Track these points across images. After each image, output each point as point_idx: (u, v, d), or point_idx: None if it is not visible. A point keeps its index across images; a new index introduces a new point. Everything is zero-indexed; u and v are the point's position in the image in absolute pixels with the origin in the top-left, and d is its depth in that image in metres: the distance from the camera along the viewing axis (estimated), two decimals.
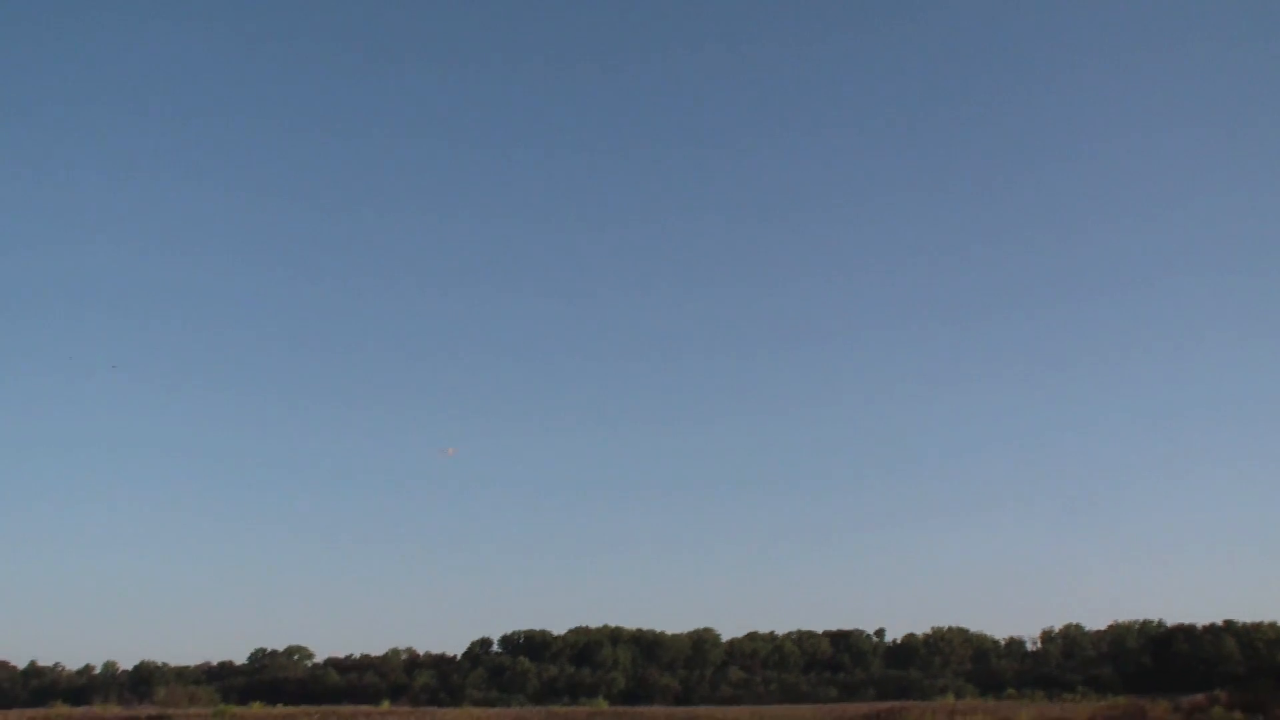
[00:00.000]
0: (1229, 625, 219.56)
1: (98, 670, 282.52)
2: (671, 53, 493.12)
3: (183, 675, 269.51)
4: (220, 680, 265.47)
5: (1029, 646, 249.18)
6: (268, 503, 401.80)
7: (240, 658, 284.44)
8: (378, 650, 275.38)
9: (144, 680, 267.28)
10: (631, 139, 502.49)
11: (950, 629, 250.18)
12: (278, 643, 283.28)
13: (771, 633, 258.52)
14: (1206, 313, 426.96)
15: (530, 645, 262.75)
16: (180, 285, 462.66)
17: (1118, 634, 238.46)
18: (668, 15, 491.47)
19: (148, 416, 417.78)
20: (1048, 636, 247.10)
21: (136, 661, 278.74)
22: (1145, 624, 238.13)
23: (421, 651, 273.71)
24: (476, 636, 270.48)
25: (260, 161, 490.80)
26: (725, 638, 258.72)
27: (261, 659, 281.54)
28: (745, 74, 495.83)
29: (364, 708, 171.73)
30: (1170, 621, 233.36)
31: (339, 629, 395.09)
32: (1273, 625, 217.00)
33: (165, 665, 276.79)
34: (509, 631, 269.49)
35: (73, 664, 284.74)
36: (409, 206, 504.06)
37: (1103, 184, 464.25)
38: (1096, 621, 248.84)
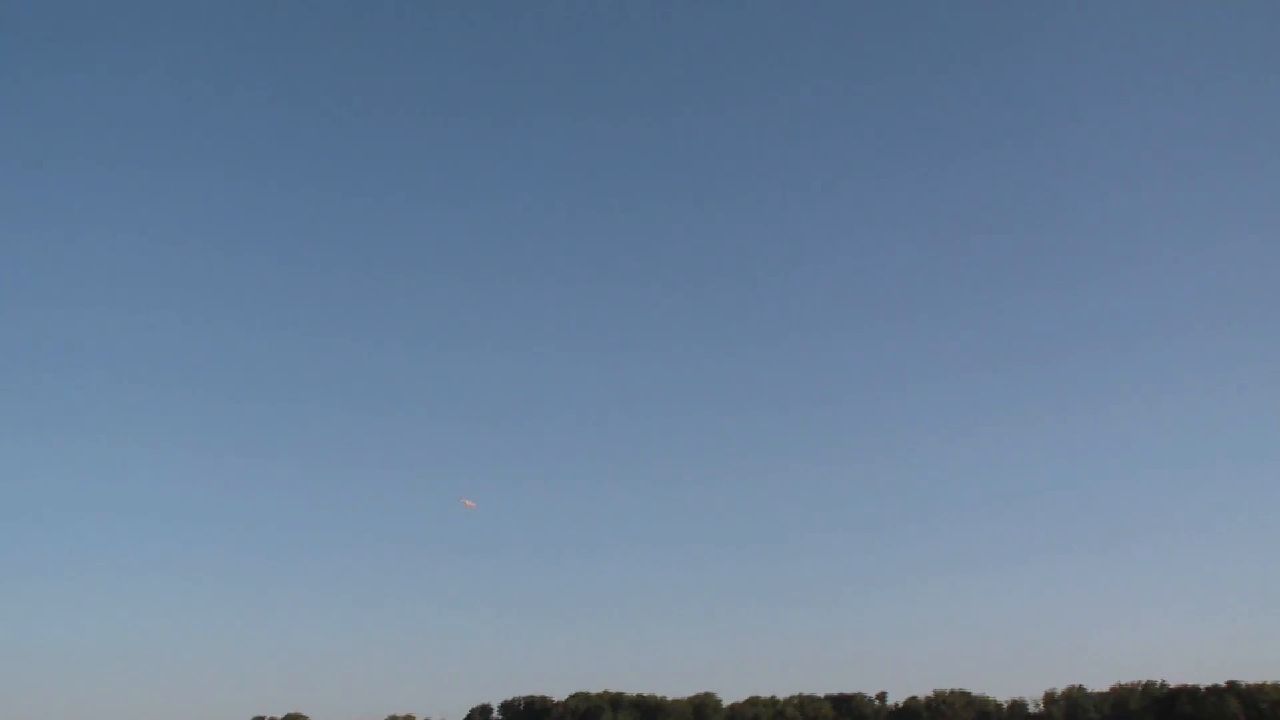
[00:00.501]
0: (1232, 686, 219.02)
1: None
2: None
3: None
4: None
5: (1032, 709, 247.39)
6: (265, 565, 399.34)
7: None
8: (377, 716, 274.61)
9: None
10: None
11: (953, 691, 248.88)
12: (276, 710, 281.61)
13: (773, 696, 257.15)
14: (1209, 364, 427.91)
15: (531, 711, 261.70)
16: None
17: (1121, 695, 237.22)
18: (670, 43, 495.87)
19: (132, 478, 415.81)
20: (1050, 698, 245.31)
21: None
22: (1149, 685, 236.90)
23: (420, 717, 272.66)
24: (476, 702, 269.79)
25: (261, 225, 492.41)
26: (726, 702, 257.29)
27: None
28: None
29: None
30: (1174, 682, 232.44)
31: (336, 695, 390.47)
32: (1275, 686, 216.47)
33: None
34: (509, 698, 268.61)
35: None
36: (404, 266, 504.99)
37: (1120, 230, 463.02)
38: (1099, 683, 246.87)
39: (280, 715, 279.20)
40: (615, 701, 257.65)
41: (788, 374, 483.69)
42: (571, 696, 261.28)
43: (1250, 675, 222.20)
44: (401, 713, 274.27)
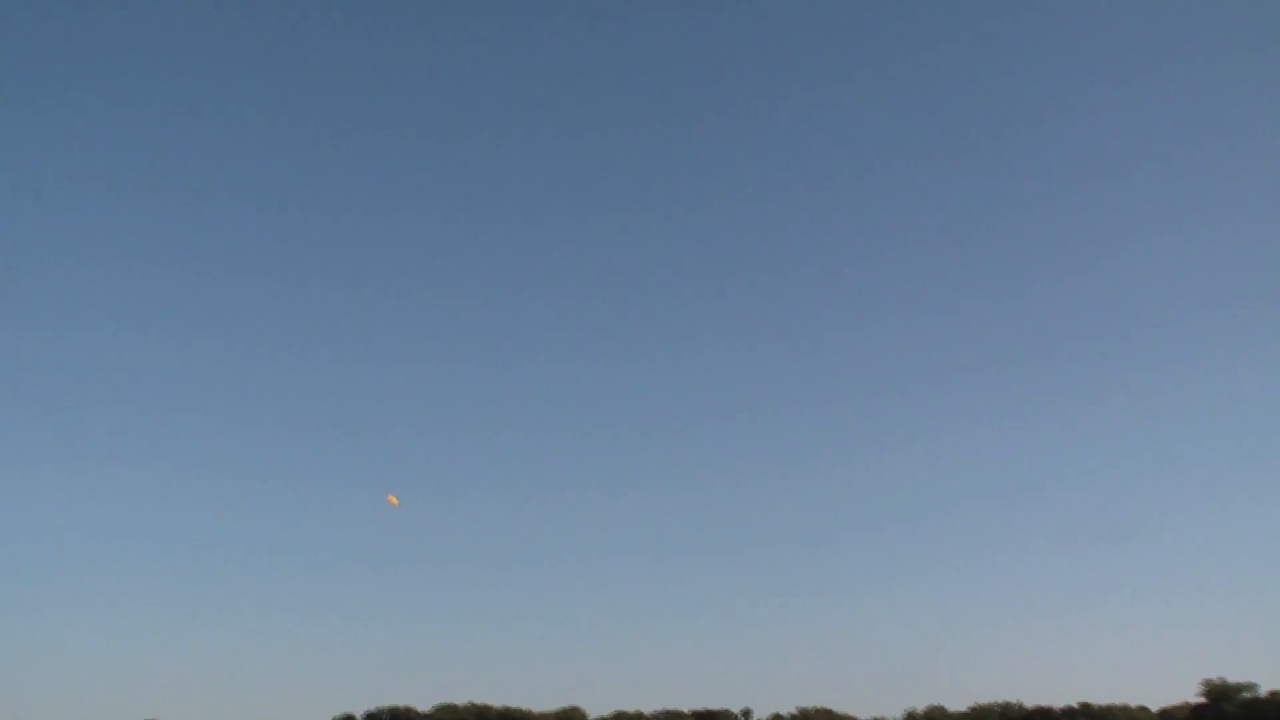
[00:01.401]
0: (1085, 707, 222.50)
1: None
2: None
3: None
4: None
5: None
6: (120, 571, 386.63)
7: None
8: None
9: None
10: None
11: (816, 709, 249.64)
12: (134, 718, 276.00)
13: (639, 711, 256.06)
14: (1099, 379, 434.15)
15: None
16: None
17: (979, 715, 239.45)
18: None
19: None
20: (911, 717, 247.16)
21: None
22: (1006, 706, 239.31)
23: None
24: (340, 711, 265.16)
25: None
26: (592, 715, 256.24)
27: None
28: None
29: None
30: (1030, 703, 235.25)
31: (198, 704, 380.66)
32: (1125, 708, 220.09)
33: None
34: (373, 708, 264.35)
35: None
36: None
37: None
38: (959, 703, 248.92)
39: None
40: (481, 713, 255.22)
41: (671, 387, 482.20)
42: (437, 708, 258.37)
43: (1103, 697, 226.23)
44: None
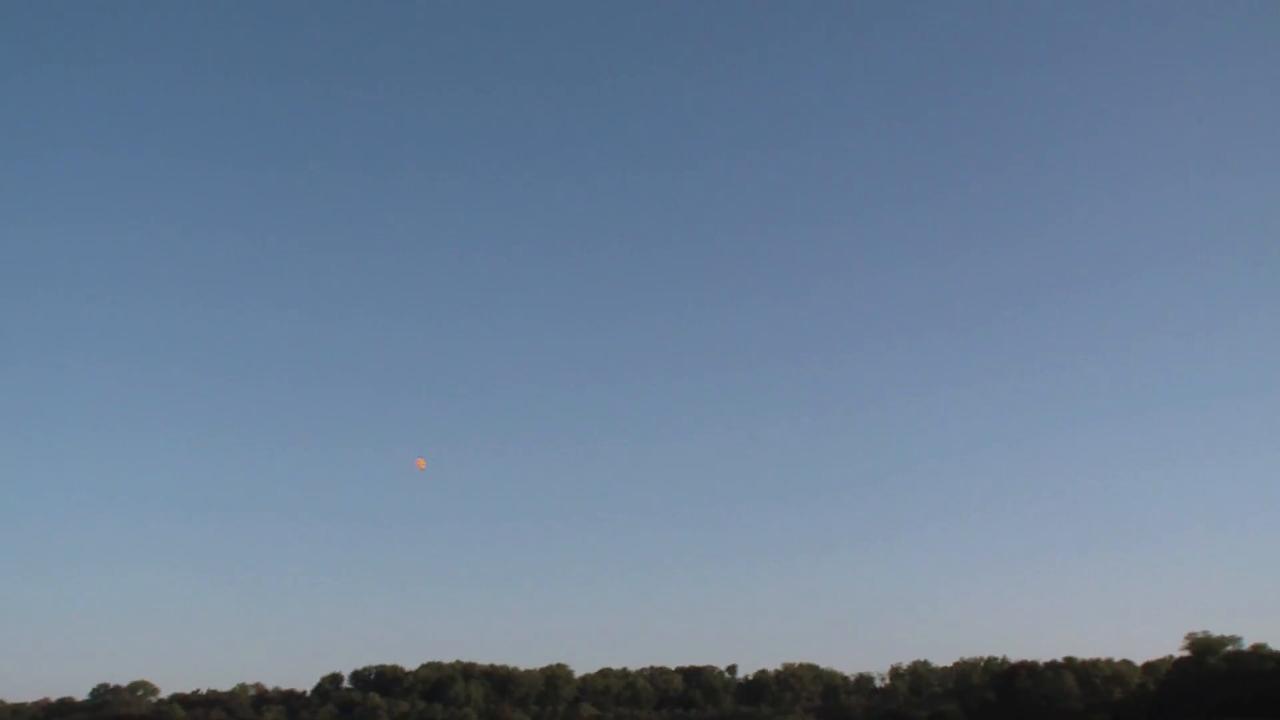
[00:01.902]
0: (1069, 662, 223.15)
1: None
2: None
3: (19, 712, 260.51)
4: (60, 717, 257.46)
5: (878, 683, 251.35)
6: (109, 527, 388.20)
7: (81, 693, 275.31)
8: (225, 685, 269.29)
9: None
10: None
11: (801, 665, 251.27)
12: (121, 678, 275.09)
13: (624, 669, 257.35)
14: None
15: (382, 680, 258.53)
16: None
17: (963, 670, 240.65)
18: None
19: None
20: (896, 673, 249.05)
21: None
22: (990, 660, 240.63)
23: (270, 686, 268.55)
24: (327, 671, 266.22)
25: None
26: (578, 673, 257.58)
27: (104, 694, 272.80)
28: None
29: None
30: (1014, 658, 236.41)
31: (185, 663, 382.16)
32: (1109, 662, 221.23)
33: (1, 702, 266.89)
34: (360, 666, 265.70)
35: None
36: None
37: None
38: (944, 658, 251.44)
39: (126, 683, 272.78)
40: (467, 672, 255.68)
41: (665, 341, 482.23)
42: (423, 666, 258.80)
43: (1086, 651, 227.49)
44: (250, 682, 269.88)
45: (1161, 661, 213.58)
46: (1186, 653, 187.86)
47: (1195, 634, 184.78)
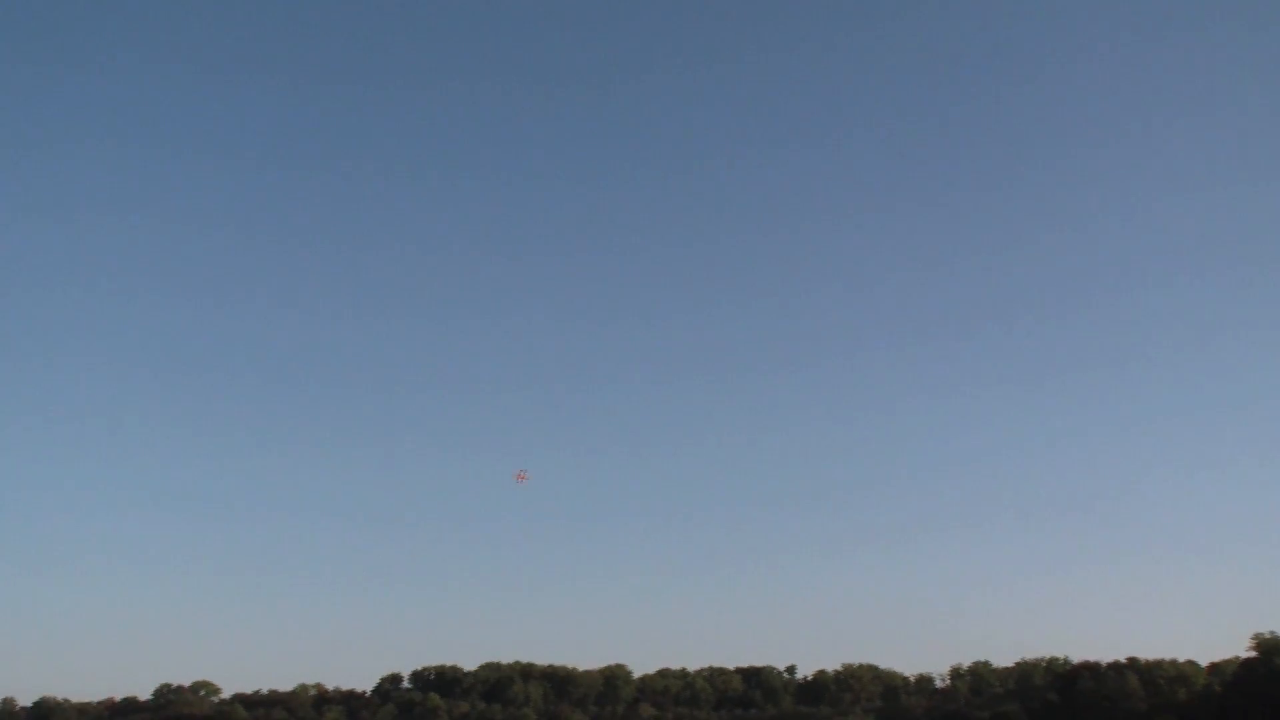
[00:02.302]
0: (1132, 663, 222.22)
1: None
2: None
3: (85, 712, 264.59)
4: (124, 717, 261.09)
5: (938, 683, 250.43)
6: (173, 534, 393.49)
7: (145, 693, 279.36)
8: (286, 685, 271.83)
9: (44, 717, 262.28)
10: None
11: (861, 666, 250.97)
12: (184, 678, 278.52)
13: (683, 669, 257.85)
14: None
15: (441, 681, 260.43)
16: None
17: (1024, 671, 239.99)
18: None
19: (49, 450, 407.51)
20: (956, 673, 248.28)
21: (36, 697, 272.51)
22: (1052, 661, 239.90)
23: (331, 687, 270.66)
24: (387, 671, 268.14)
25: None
26: (637, 674, 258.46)
27: (167, 694, 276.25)
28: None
29: None
30: (1076, 659, 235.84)
31: (247, 663, 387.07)
32: (1173, 663, 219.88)
33: (66, 701, 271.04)
34: (420, 667, 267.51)
35: None
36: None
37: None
38: (1004, 659, 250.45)
39: (188, 683, 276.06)
40: (526, 672, 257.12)
41: (712, 344, 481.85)
42: (482, 667, 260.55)
43: (1150, 652, 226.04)
44: (312, 682, 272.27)
45: (1228, 663, 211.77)
46: (1253, 653, 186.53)
47: (1262, 634, 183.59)
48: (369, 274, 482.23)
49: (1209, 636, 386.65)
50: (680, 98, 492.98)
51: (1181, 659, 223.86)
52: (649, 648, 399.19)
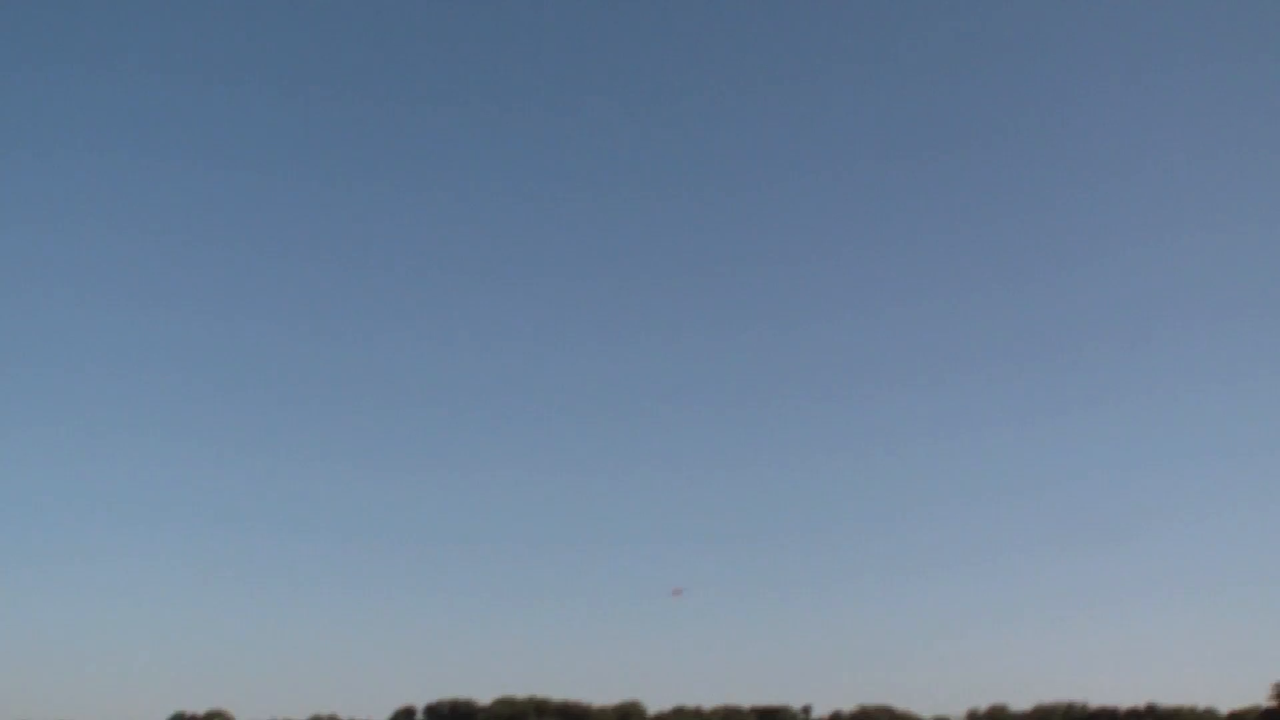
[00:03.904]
0: (1151, 709, 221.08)
1: None
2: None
3: None
4: None
5: None
6: (186, 557, 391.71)
7: None
8: (299, 715, 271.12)
9: None
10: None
11: (877, 707, 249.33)
12: (197, 706, 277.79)
13: (698, 707, 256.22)
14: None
15: (455, 714, 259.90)
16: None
17: (1042, 715, 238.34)
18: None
19: (62, 466, 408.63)
20: (973, 716, 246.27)
21: None
22: (1070, 706, 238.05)
23: (344, 717, 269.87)
24: (400, 704, 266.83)
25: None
26: (652, 710, 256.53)
27: None
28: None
29: None
30: (1094, 704, 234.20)
31: (260, 693, 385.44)
32: (1192, 710, 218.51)
33: None
34: (434, 700, 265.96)
35: None
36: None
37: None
38: (1022, 702, 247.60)
39: (202, 712, 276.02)
40: (540, 707, 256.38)
41: (723, 371, 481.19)
42: (497, 701, 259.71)
43: (1168, 699, 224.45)
44: (325, 712, 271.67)
45: (1248, 711, 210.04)
46: (1274, 702, 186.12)
47: None
48: (384, 287, 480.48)
49: (1229, 683, 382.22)
50: (694, 115, 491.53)
51: (1201, 706, 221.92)
52: (663, 684, 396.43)
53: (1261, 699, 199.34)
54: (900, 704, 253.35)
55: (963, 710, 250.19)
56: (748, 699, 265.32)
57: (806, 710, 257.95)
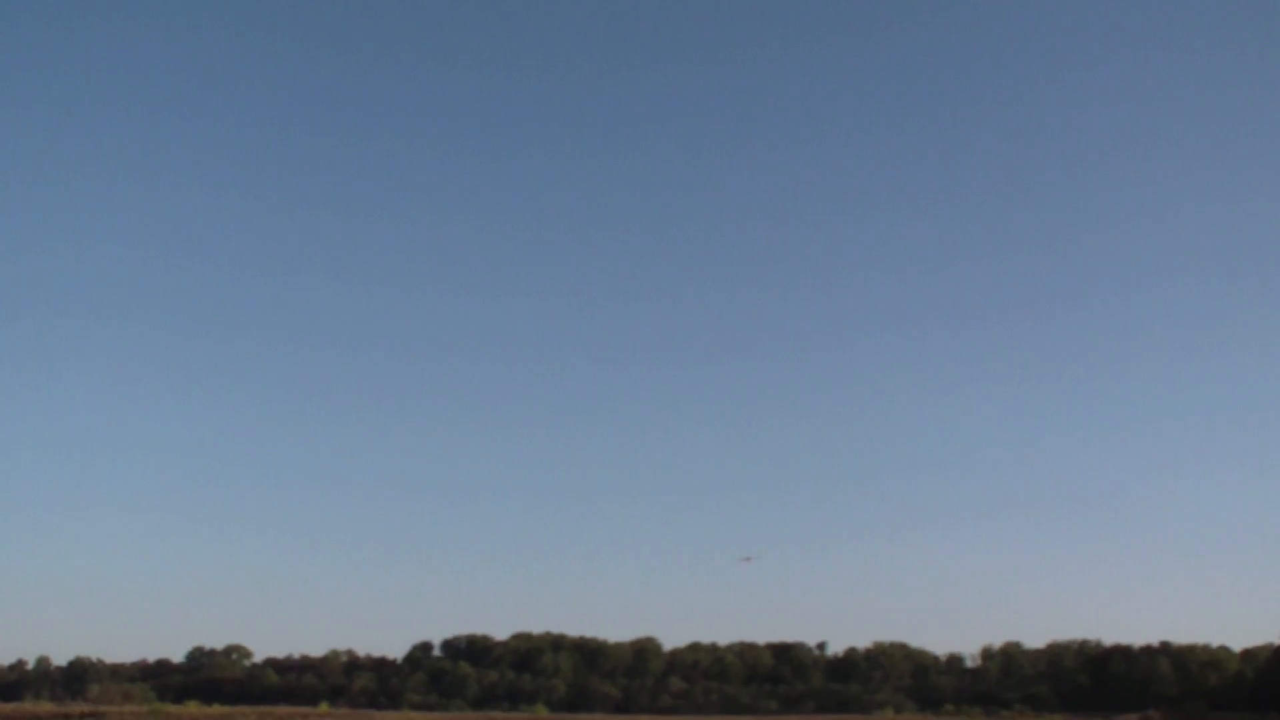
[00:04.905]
0: (1165, 647, 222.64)
1: (30, 666, 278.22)
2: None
3: (118, 672, 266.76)
4: (156, 678, 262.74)
5: (969, 663, 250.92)
6: (208, 498, 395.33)
7: (178, 656, 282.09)
8: (317, 651, 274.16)
9: (78, 677, 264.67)
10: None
11: (891, 644, 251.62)
12: (216, 641, 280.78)
13: (713, 643, 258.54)
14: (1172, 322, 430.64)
15: (472, 650, 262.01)
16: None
17: (1056, 653, 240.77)
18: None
19: (89, 411, 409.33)
20: (987, 654, 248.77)
21: (71, 657, 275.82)
22: (1083, 644, 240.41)
23: (362, 654, 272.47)
24: (418, 639, 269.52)
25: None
26: (667, 647, 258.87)
27: (199, 658, 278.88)
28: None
29: (302, 709, 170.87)
30: (1108, 642, 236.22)
31: (278, 629, 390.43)
32: (1205, 648, 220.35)
33: (100, 662, 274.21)
34: (451, 635, 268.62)
35: (4, 659, 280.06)
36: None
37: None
38: (1036, 640, 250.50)
39: (221, 647, 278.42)
40: (556, 643, 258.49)
41: (747, 326, 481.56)
42: (513, 637, 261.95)
43: (1182, 636, 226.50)
44: (343, 648, 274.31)
45: (1260, 649, 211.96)
46: None
47: None
48: (417, 247, 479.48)
49: (1242, 622, 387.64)
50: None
51: (1214, 644, 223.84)
52: (679, 622, 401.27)
53: (1274, 637, 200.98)
54: (914, 641, 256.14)
55: (978, 648, 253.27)
56: (763, 636, 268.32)
57: (821, 647, 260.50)
